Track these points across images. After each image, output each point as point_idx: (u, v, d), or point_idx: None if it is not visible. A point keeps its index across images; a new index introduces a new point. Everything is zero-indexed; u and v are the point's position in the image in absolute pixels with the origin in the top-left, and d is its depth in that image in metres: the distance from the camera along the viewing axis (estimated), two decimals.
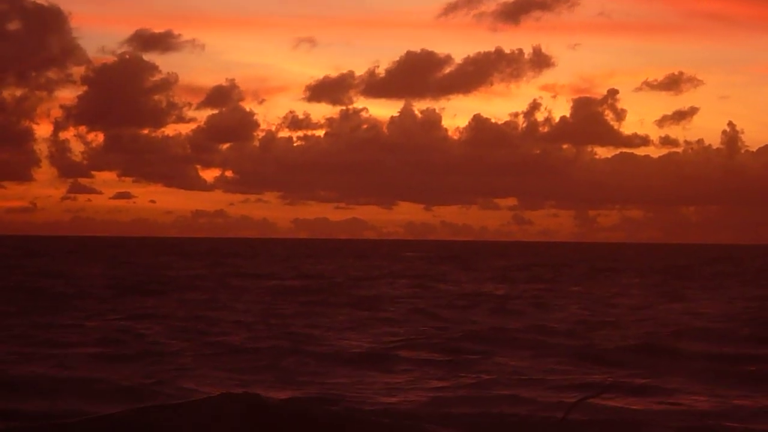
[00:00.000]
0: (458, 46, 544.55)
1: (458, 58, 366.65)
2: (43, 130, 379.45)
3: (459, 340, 29.21)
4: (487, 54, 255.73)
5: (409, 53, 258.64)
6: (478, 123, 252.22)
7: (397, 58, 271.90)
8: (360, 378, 21.94)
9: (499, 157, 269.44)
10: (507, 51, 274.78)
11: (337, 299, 46.15)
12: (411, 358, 25.12)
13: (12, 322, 32.37)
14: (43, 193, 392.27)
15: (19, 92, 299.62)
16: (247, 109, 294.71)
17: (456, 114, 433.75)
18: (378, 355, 25.50)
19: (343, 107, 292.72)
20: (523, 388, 20.33)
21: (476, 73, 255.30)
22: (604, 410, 17.33)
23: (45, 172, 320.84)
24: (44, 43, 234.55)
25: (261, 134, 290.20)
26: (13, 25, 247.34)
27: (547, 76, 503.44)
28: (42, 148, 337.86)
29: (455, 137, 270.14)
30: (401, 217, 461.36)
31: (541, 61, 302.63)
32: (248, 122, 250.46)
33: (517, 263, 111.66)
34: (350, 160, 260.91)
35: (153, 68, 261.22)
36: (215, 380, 21.05)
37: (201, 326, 31.99)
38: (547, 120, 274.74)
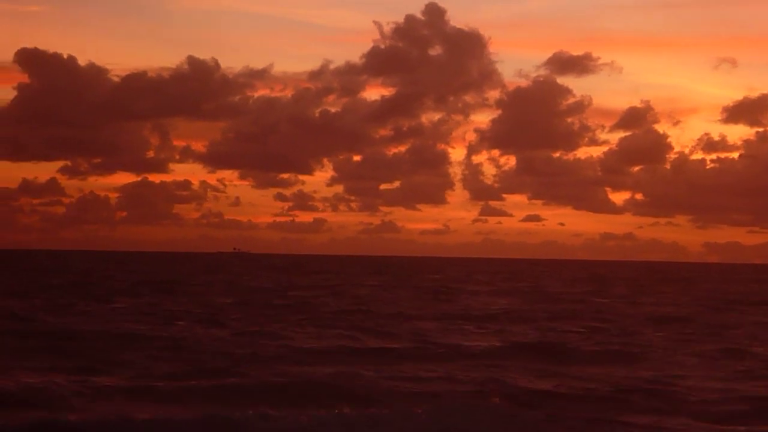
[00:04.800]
0: None
1: None
2: (457, 153, 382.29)
3: None
4: None
5: None
6: None
7: None
8: None
9: None
10: None
11: None
12: None
13: None
14: (455, 215, 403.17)
15: (437, 116, 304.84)
16: (661, 132, 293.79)
17: None
18: None
19: (761, 129, 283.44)
20: None
21: None
22: None
23: (458, 194, 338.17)
24: (464, 67, 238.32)
25: (673, 156, 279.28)
26: (435, 51, 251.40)
27: None
28: (456, 172, 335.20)
29: None
30: None
31: None
32: (661, 144, 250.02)
33: None
34: (767, 182, 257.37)
35: (566, 91, 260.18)
36: None
37: None
38: None
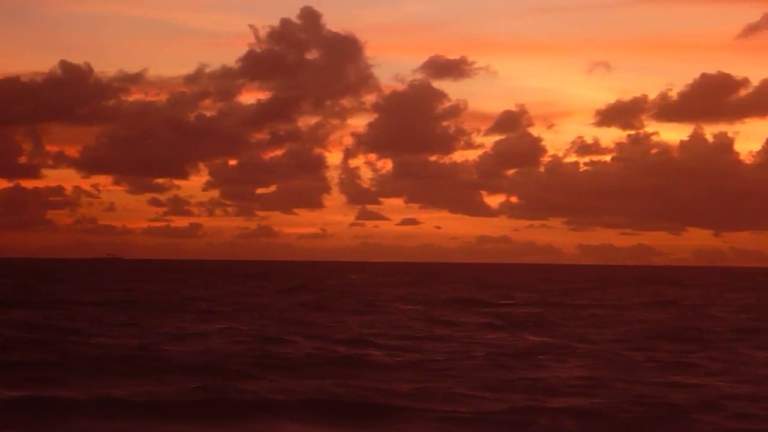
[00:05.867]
0: (757, 68, 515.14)
1: (756, 80, 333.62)
2: (334, 157, 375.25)
3: None
4: None
5: (704, 76, 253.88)
6: None
7: (691, 81, 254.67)
8: None
9: None
10: None
11: None
12: None
13: None
14: (333, 219, 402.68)
15: (313, 120, 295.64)
16: (535, 135, 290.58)
17: (750, 138, 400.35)
18: None
19: (633, 131, 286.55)
20: None
21: None
22: None
23: (335, 198, 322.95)
24: (340, 71, 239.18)
25: (547, 160, 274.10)
26: (311, 55, 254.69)
27: None
28: (333, 176, 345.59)
29: (748, 161, 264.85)
30: (689, 243, 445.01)
31: None
32: (535, 148, 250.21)
33: None
34: (638, 185, 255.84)
35: (442, 95, 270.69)
36: None
37: None
38: None
